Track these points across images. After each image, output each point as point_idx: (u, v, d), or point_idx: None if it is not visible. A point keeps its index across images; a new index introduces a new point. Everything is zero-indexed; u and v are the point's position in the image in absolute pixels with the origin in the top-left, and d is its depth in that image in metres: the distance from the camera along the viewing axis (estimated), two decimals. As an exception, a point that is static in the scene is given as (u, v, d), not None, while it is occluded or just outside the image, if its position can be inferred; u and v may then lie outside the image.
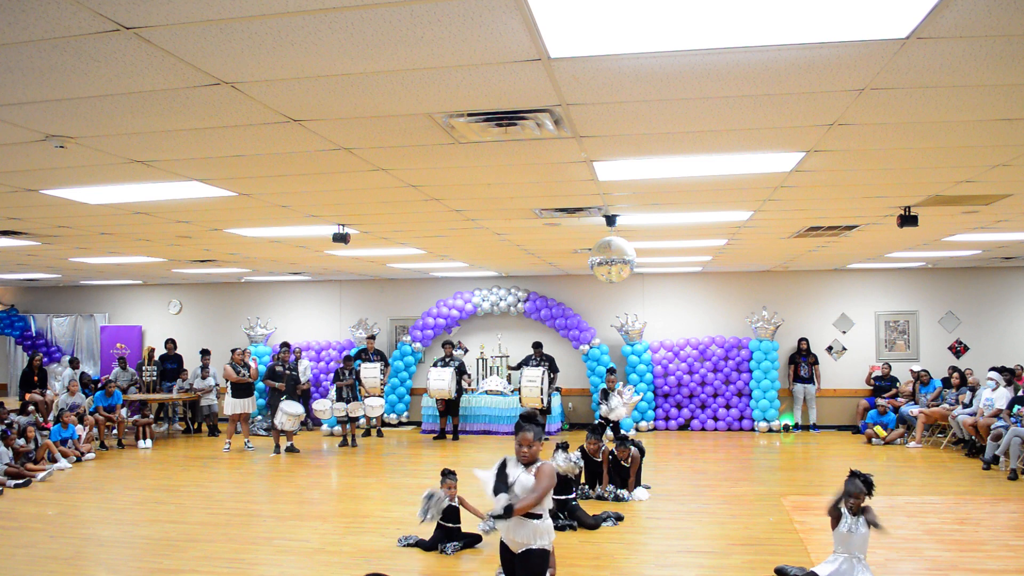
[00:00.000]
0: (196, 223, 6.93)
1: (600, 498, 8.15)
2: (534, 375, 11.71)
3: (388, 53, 2.68)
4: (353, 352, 13.79)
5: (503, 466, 4.30)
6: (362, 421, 13.35)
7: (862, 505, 5.06)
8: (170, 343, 14.66)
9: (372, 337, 13.71)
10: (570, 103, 3.33)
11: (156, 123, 3.57)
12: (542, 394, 11.57)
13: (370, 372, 12.54)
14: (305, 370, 14.12)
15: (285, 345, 12.86)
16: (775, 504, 8.01)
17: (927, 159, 4.53)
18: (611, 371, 12.63)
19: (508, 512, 3.97)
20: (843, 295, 13.78)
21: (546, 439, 8.69)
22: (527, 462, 4.21)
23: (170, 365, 14.37)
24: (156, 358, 14.49)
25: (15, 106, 3.27)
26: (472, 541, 6.68)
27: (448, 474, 6.81)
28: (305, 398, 13.60)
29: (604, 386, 12.27)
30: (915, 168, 4.78)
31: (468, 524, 6.76)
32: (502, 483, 4.16)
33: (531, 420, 4.25)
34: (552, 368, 12.96)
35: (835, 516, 5.19)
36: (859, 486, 5.07)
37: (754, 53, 2.73)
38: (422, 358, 14.60)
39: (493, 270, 13.26)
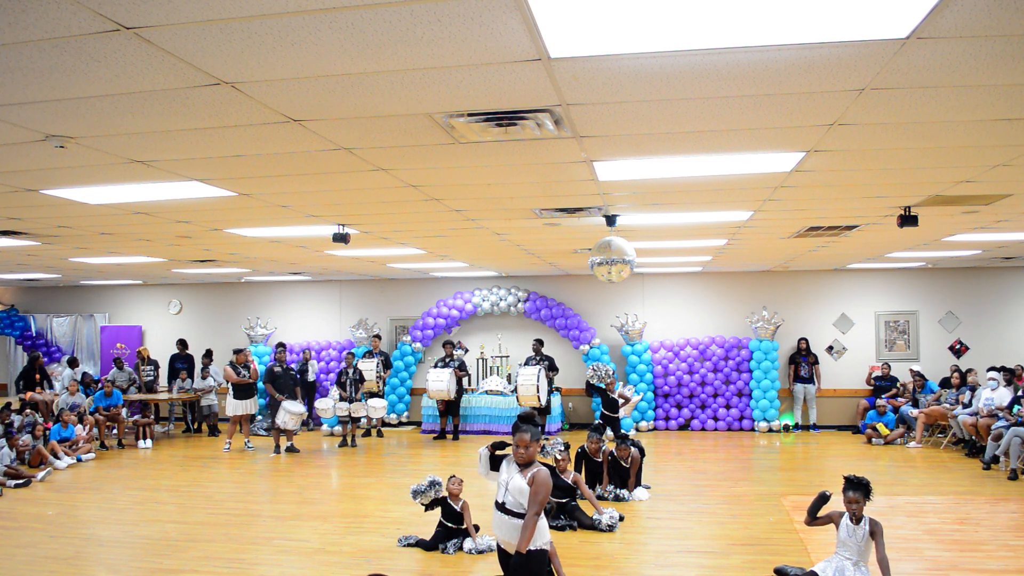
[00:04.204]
0: (196, 223, 6.92)
1: (600, 498, 8.14)
2: (529, 374, 11.71)
3: (388, 53, 2.67)
4: (360, 353, 13.82)
5: (500, 445, 4.53)
6: (363, 421, 13.36)
7: (866, 515, 5.05)
8: (180, 344, 14.66)
9: (378, 336, 13.78)
10: (570, 103, 3.33)
11: (156, 123, 3.57)
12: (538, 392, 11.56)
13: (367, 365, 12.55)
14: (313, 371, 14.17)
15: (281, 345, 12.88)
16: (775, 504, 8.01)
17: (927, 159, 4.53)
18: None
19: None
20: (843, 295, 13.78)
21: (546, 438, 8.68)
22: (524, 463, 4.23)
23: (180, 365, 14.35)
24: (148, 358, 14.46)
25: (15, 106, 3.27)
26: (472, 541, 6.69)
27: (454, 476, 6.85)
28: (310, 397, 13.62)
29: (593, 382, 12.20)
30: (915, 168, 4.78)
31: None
32: (495, 465, 4.49)
33: (528, 420, 4.28)
34: (551, 367, 13.00)
35: (816, 520, 5.24)
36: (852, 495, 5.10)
37: (754, 53, 2.73)
38: (422, 358, 14.61)
39: (493, 270, 13.26)
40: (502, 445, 4.56)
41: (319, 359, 14.82)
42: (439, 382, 12.26)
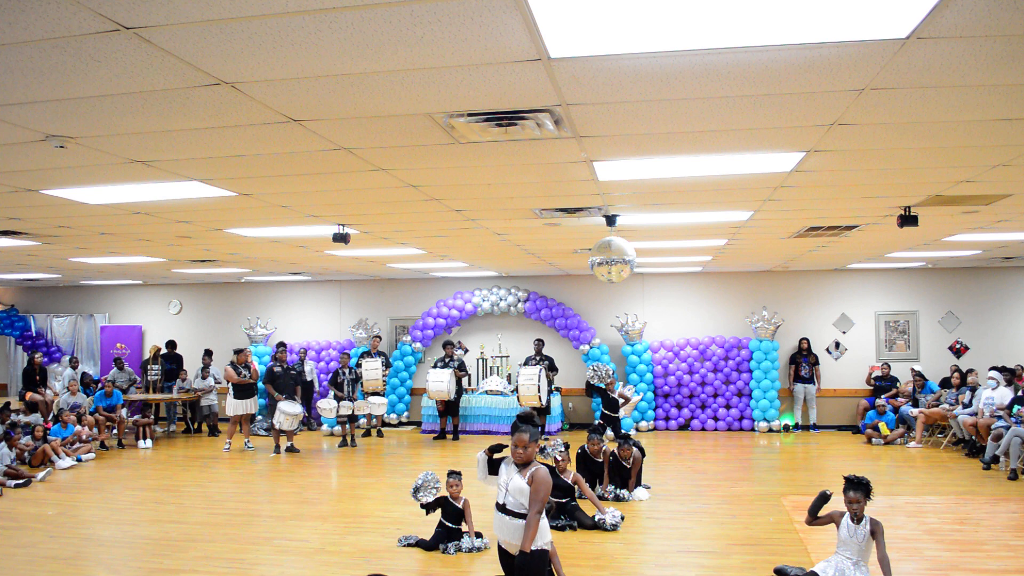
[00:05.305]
0: (196, 223, 6.93)
1: (600, 498, 8.14)
2: (531, 374, 11.71)
3: (388, 53, 2.68)
4: (357, 353, 13.81)
5: (497, 448, 4.55)
6: (362, 421, 13.35)
7: (866, 515, 5.06)
8: (170, 344, 14.71)
9: (378, 337, 13.77)
10: (570, 103, 3.33)
11: (156, 123, 3.57)
12: (539, 392, 11.56)
13: (371, 365, 12.55)
14: (311, 371, 14.16)
15: (282, 345, 12.87)
16: (775, 504, 8.01)
17: (927, 159, 4.53)
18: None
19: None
20: (843, 295, 13.78)
21: (546, 439, 8.69)
22: (522, 463, 4.23)
23: (169, 365, 14.40)
24: (160, 357, 14.52)
25: (15, 106, 3.27)
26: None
27: (453, 474, 6.82)
28: (308, 398, 13.62)
29: (593, 382, 12.17)
30: (915, 168, 4.79)
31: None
32: (494, 469, 4.50)
33: (527, 421, 4.28)
34: (551, 368, 13.00)
35: (817, 519, 5.24)
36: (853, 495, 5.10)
37: (754, 53, 2.73)
38: (422, 358, 14.61)
39: (493, 270, 13.26)
40: (499, 448, 4.58)
41: (319, 359, 14.83)
42: (439, 383, 12.25)
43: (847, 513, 5.11)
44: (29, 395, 12.81)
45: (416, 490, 6.75)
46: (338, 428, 13.28)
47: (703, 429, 13.56)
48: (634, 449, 8.47)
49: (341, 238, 7.01)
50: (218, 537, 7.03)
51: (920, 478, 9.49)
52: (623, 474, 8.42)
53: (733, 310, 13.97)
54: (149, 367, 14.18)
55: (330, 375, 14.22)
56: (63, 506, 8.42)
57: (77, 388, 12.36)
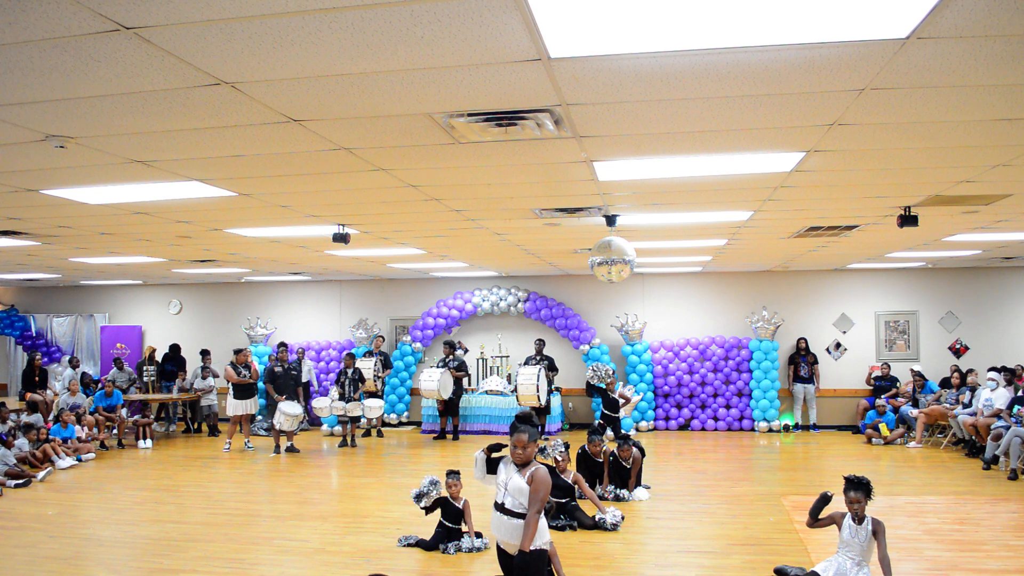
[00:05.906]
0: (196, 223, 6.93)
1: (601, 498, 8.13)
2: (529, 373, 11.71)
3: (388, 53, 2.68)
4: (361, 352, 13.81)
5: (495, 447, 4.57)
6: (363, 421, 13.36)
7: (868, 515, 5.05)
8: (173, 348, 14.73)
9: (381, 337, 13.77)
10: (570, 103, 3.33)
11: (156, 123, 3.57)
12: (538, 391, 11.55)
13: (364, 364, 12.55)
14: (309, 370, 14.14)
15: (283, 345, 12.88)
16: (775, 504, 8.01)
17: (927, 159, 4.53)
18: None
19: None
20: (843, 295, 13.78)
21: (546, 439, 8.69)
22: (522, 463, 4.23)
23: (169, 367, 14.38)
24: (158, 358, 14.51)
25: (15, 106, 3.27)
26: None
27: (452, 474, 6.81)
28: (305, 398, 13.62)
29: (593, 383, 12.14)
30: (915, 168, 4.79)
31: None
32: (492, 468, 4.51)
33: (526, 421, 4.28)
34: (551, 368, 13.00)
35: (818, 521, 5.24)
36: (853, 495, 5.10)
37: (754, 53, 2.73)
38: (422, 358, 14.61)
39: (493, 270, 13.26)
40: (498, 447, 4.57)
41: (319, 359, 14.82)
42: (430, 381, 12.20)
43: (848, 514, 5.11)
44: (29, 395, 12.80)
45: (418, 497, 6.73)
46: (338, 428, 13.28)
47: (703, 429, 13.56)
48: (634, 449, 8.47)
49: (341, 238, 7.01)
50: (218, 537, 7.03)
51: (920, 478, 9.49)
52: (623, 474, 8.42)
53: (733, 310, 13.97)
54: (145, 368, 14.17)
55: (332, 375, 14.25)
56: (63, 506, 8.42)
57: (77, 388, 12.35)
